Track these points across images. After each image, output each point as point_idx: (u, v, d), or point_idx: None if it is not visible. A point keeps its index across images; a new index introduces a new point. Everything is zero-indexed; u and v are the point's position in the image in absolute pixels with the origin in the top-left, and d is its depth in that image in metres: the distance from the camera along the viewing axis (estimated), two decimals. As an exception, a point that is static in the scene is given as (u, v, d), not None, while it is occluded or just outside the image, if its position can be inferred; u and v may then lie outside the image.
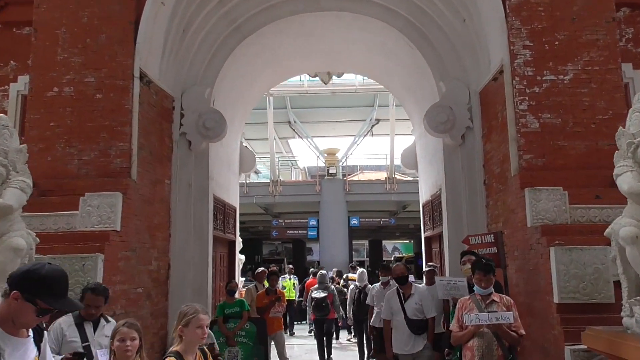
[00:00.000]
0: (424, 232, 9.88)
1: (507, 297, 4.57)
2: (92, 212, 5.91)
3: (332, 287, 9.91)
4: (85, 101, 6.44)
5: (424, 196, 9.78)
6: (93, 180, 6.19)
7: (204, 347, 3.62)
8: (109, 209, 5.96)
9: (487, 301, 4.35)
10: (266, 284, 8.42)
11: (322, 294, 9.11)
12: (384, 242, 44.91)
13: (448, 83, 7.83)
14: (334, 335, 10.27)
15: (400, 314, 5.63)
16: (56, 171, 6.28)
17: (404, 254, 45.82)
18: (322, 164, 23.66)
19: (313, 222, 22.67)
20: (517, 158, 6.24)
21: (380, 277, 7.50)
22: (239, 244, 12.52)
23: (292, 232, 22.86)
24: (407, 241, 48.53)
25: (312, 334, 10.95)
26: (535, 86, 6.35)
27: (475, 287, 4.44)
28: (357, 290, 8.99)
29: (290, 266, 13.23)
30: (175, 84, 7.70)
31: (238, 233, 10.66)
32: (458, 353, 5.21)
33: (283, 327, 8.38)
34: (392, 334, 5.74)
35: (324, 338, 9.17)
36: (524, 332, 4.35)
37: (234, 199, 9.93)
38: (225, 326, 7.68)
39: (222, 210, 9.05)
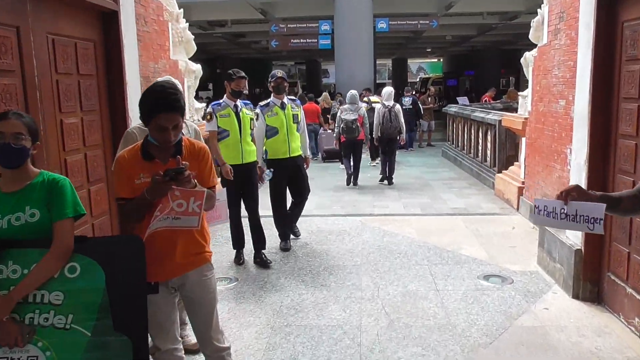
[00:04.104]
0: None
1: None
2: None
3: (362, 108, 8.93)
4: None
5: None
6: None
7: None
8: None
9: None
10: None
11: (352, 116, 8.40)
12: (408, 60, 37.81)
13: None
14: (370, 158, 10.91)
15: None
16: None
17: (430, 75, 39.14)
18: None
19: (326, 27, 15.89)
20: None
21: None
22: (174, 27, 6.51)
23: (298, 41, 16.15)
24: (436, 59, 41.17)
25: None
26: None
27: None
28: (387, 109, 8.56)
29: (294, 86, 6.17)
30: None
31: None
32: None
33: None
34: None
35: (352, 161, 8.63)
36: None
37: None
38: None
39: None
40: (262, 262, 4.75)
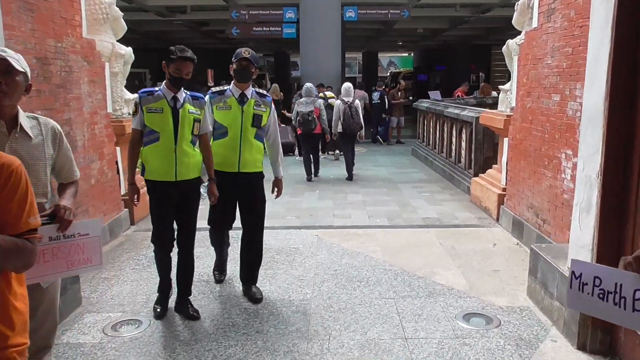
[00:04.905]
0: None
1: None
2: None
3: (319, 100, 8.71)
4: None
5: None
6: None
7: None
8: None
9: None
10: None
11: (308, 108, 8.21)
12: (379, 54, 36.97)
13: None
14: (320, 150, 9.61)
15: None
16: None
17: (401, 69, 38.37)
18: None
19: (290, 14, 14.79)
20: None
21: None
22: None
23: (261, 29, 15.02)
24: (406, 54, 40.41)
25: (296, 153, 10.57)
26: None
27: None
28: (347, 105, 8.24)
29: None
30: None
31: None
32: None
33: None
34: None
35: (311, 154, 8.55)
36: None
37: None
38: None
39: None
40: (186, 314, 3.45)
